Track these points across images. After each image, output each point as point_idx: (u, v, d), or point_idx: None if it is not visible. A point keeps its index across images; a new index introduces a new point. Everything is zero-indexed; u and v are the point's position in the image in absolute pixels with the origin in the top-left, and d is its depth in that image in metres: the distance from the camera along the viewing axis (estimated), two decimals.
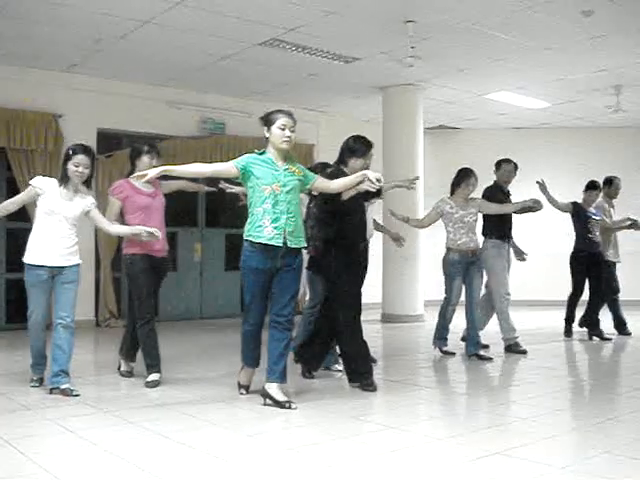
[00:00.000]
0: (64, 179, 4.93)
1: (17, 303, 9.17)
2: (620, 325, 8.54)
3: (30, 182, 5.03)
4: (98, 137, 9.75)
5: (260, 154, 4.60)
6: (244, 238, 4.57)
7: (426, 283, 10.90)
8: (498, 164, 7.36)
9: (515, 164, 7.35)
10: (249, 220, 4.57)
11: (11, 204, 5.13)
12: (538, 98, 11.18)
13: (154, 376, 5.25)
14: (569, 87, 10.48)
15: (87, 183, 5.07)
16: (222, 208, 11.19)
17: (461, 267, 6.68)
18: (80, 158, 4.89)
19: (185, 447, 3.59)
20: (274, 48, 8.50)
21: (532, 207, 6.73)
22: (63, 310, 4.92)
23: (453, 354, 6.89)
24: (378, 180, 4.53)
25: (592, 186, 8.40)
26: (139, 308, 5.27)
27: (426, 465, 3.32)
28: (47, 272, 4.90)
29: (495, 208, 6.91)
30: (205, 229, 11.09)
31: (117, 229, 5.20)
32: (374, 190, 4.67)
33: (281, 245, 4.48)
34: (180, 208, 10.45)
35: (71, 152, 4.93)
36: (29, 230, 5.03)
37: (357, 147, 5.32)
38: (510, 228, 7.28)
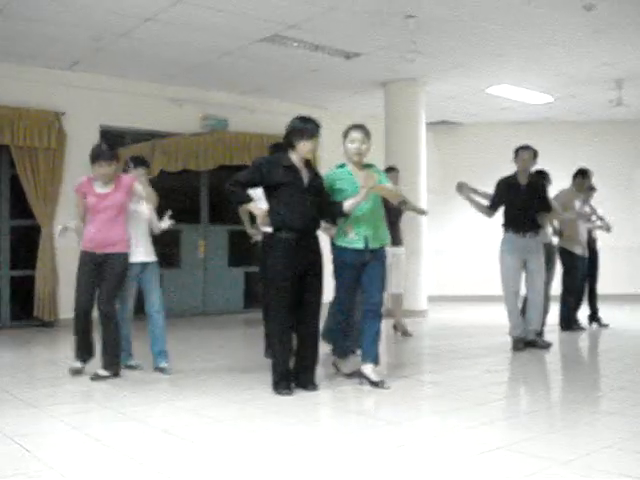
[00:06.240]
0: None
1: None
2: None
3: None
4: (101, 134, 9.78)
5: (339, 167, 5.28)
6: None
7: (429, 279, 10.91)
8: (516, 152, 7.10)
9: (533, 151, 7.08)
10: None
11: None
12: (540, 92, 11.17)
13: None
14: (571, 81, 10.47)
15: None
16: (225, 205, 11.20)
17: None
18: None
19: (186, 442, 3.62)
20: (275, 44, 8.50)
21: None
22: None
23: None
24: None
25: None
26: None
27: (429, 460, 3.33)
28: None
29: None
30: (208, 226, 11.12)
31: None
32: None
33: (362, 248, 5.06)
34: (183, 205, 10.48)
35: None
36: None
37: (307, 127, 5.07)
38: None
